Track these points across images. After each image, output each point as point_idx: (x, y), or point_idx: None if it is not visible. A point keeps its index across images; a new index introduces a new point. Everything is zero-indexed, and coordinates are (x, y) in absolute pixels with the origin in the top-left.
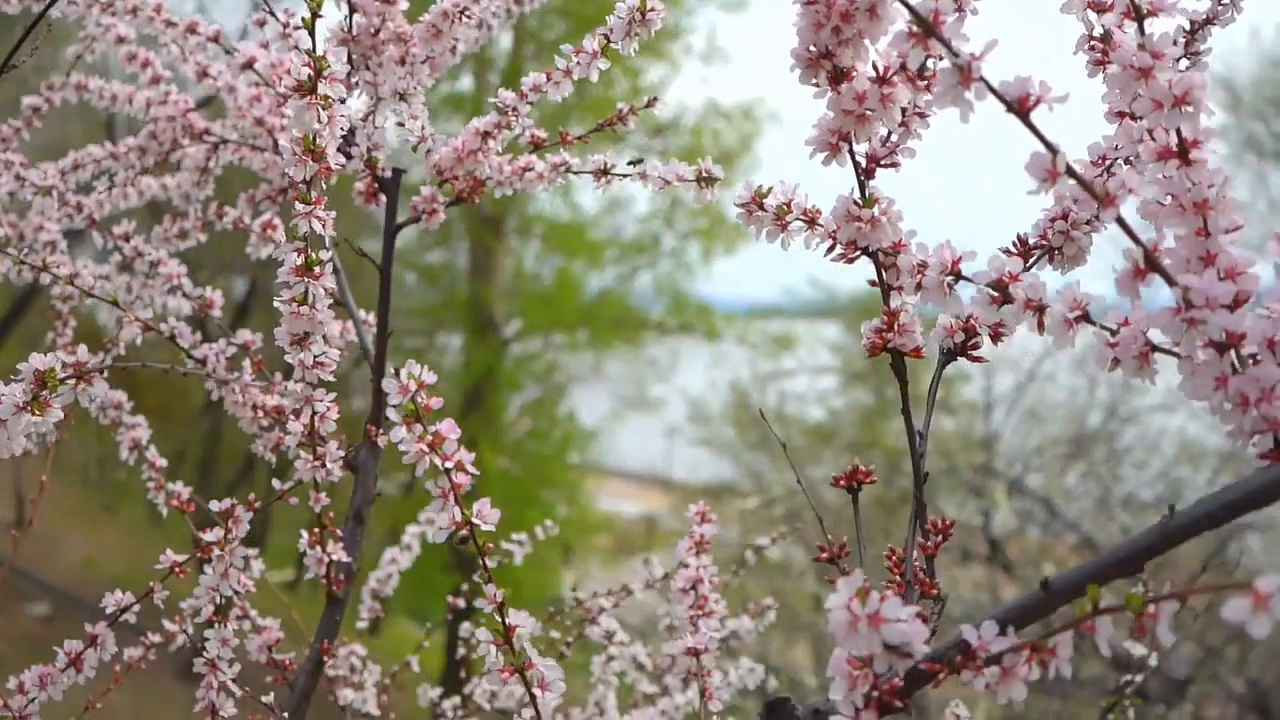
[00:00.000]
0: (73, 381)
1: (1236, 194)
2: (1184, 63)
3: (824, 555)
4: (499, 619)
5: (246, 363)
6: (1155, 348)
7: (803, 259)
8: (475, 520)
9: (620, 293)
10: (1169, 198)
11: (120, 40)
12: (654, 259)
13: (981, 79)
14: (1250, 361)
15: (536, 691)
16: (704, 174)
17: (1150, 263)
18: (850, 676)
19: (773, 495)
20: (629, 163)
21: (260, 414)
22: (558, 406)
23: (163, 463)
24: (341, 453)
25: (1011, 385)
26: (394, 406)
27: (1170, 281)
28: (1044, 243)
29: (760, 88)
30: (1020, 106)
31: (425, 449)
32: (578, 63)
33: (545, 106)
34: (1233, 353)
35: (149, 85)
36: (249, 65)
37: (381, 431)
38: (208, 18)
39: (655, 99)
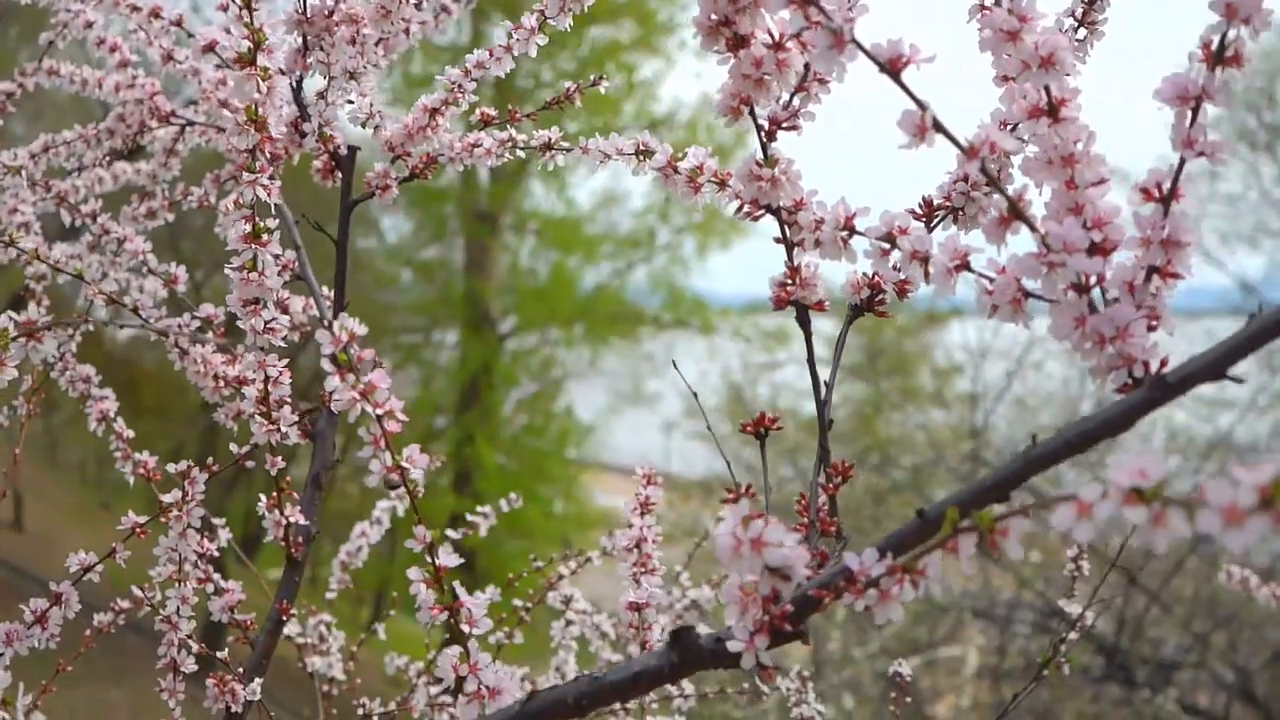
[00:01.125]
0: (23, 340)
1: (1229, 186)
2: (1081, 32)
3: (730, 498)
4: (429, 559)
5: (209, 334)
6: (1028, 294)
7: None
8: (405, 465)
9: (616, 288)
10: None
11: (89, 25)
12: (649, 254)
13: (854, 41)
14: (1114, 303)
15: (465, 628)
16: (641, 148)
17: (1014, 212)
18: (741, 601)
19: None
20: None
21: (221, 384)
22: (554, 402)
23: (130, 434)
24: (295, 417)
25: (1001, 374)
26: (327, 357)
27: (1032, 228)
28: (947, 203)
29: None
30: (892, 67)
31: (358, 397)
32: (517, 39)
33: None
34: (1098, 294)
35: (117, 69)
36: (210, 48)
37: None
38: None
39: (600, 77)
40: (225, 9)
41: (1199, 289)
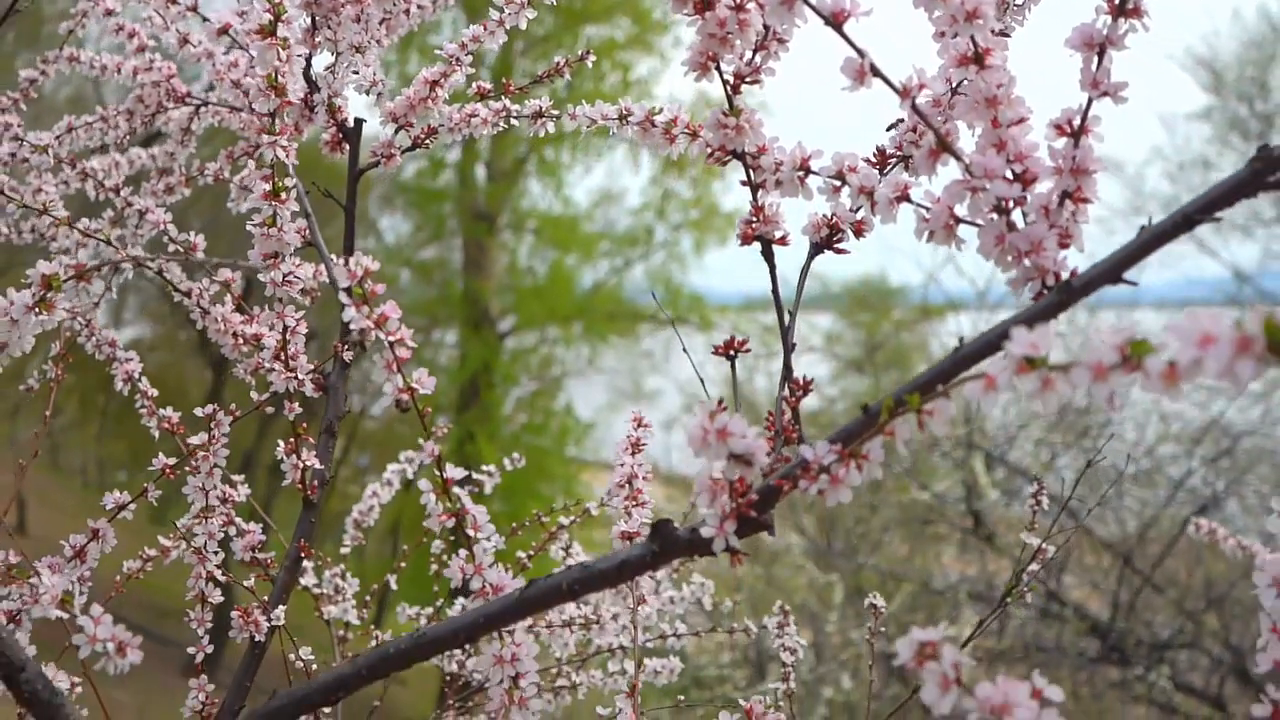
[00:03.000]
0: (74, 281)
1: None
2: None
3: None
4: (437, 472)
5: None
6: (959, 219)
7: (796, 250)
8: (415, 385)
9: (614, 285)
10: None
11: (109, 13)
12: (647, 251)
13: None
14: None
15: (471, 532)
16: (624, 113)
17: (942, 144)
18: (711, 489)
19: None
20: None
21: (240, 341)
22: (554, 400)
23: (154, 392)
24: (311, 366)
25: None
26: (344, 290)
27: (958, 158)
28: (899, 152)
29: None
30: (835, 19)
31: (372, 325)
32: (509, 13)
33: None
34: (1019, 217)
35: (135, 54)
36: (224, 31)
37: (349, 348)
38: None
39: (588, 53)
40: None
41: (1195, 278)
